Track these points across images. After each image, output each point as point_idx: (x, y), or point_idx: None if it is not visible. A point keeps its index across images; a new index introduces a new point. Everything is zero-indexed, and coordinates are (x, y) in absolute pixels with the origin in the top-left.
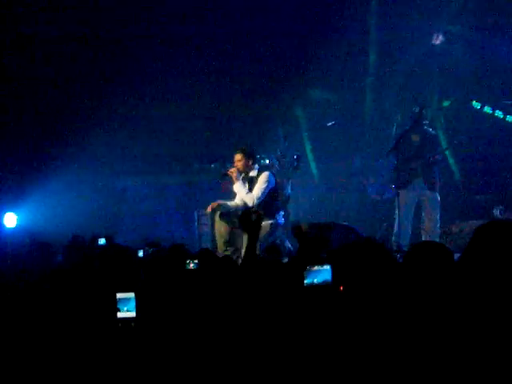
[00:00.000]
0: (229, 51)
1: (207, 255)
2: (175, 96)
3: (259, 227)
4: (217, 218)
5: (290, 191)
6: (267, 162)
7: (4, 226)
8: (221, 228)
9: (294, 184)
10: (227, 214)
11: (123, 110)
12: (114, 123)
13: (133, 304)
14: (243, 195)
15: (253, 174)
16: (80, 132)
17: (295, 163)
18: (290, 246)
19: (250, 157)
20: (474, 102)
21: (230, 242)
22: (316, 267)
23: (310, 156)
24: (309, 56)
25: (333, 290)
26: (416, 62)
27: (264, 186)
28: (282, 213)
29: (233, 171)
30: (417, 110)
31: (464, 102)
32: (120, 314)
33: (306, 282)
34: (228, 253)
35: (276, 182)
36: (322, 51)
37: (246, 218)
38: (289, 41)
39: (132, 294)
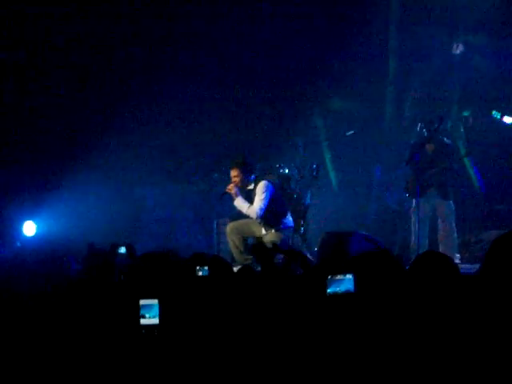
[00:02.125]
0: (248, 60)
1: (218, 262)
2: (196, 105)
3: (271, 257)
4: (228, 230)
5: (309, 201)
6: (287, 171)
7: (24, 234)
8: (234, 239)
9: (313, 194)
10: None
11: (142, 118)
12: (132, 131)
13: (156, 311)
14: (246, 210)
15: (250, 186)
16: (99, 140)
17: (314, 173)
18: (308, 256)
19: (246, 170)
20: (494, 112)
21: (246, 251)
22: (339, 276)
23: (330, 165)
24: (328, 65)
25: (356, 299)
26: (436, 71)
27: (263, 196)
28: (289, 215)
29: (231, 188)
30: (434, 121)
31: (484, 112)
32: (143, 321)
33: (328, 291)
34: (248, 262)
35: (275, 188)
36: (342, 60)
37: (256, 250)
38: (308, 50)
39: (155, 301)
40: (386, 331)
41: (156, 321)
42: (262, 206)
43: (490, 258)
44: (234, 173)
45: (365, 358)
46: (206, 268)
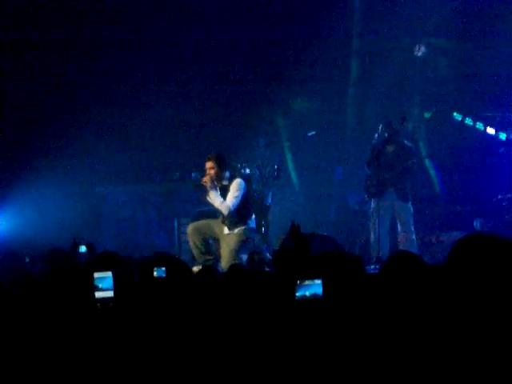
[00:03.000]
0: (209, 61)
1: (175, 263)
2: (157, 105)
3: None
4: (189, 230)
5: (270, 201)
6: (248, 171)
7: None
8: (194, 239)
9: (274, 194)
10: (204, 214)
11: (103, 118)
12: (93, 130)
13: (110, 283)
14: (218, 205)
15: (225, 182)
16: (60, 139)
17: (276, 173)
18: (269, 256)
19: (222, 164)
20: (455, 114)
21: (207, 251)
22: (307, 281)
23: (291, 166)
24: (290, 65)
25: (324, 304)
26: (398, 72)
27: (237, 193)
28: (253, 217)
29: (206, 180)
30: (393, 122)
31: (445, 114)
32: (98, 294)
33: (297, 295)
34: (209, 263)
35: (246, 187)
36: (304, 60)
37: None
38: (270, 50)
39: (109, 273)
40: (355, 335)
41: (111, 293)
42: (235, 203)
43: (451, 259)
44: (209, 165)
45: (335, 363)
46: (164, 269)
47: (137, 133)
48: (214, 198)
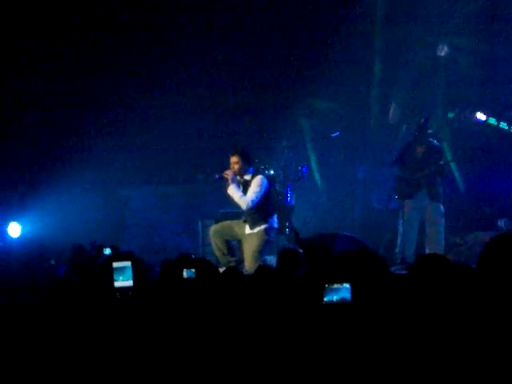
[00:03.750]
0: (232, 62)
1: (204, 264)
2: (180, 106)
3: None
4: (211, 232)
5: (294, 202)
6: (272, 172)
7: (8, 235)
8: (216, 241)
9: (298, 195)
10: (227, 215)
11: (127, 120)
12: (117, 132)
13: (130, 273)
14: (237, 198)
15: (247, 177)
16: (83, 141)
17: (299, 174)
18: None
19: (246, 159)
20: (478, 113)
21: (229, 253)
22: (336, 285)
23: (315, 166)
24: (314, 66)
25: (352, 309)
26: (421, 73)
27: (258, 189)
28: (275, 216)
29: (228, 173)
30: (422, 121)
31: (469, 114)
32: (117, 284)
33: (325, 299)
34: (231, 264)
35: (270, 186)
36: (327, 61)
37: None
38: (293, 51)
39: (129, 263)
40: (383, 338)
41: (130, 283)
42: (255, 198)
43: (483, 261)
44: (234, 159)
45: (363, 366)
46: (193, 270)
47: (161, 135)
48: (234, 191)
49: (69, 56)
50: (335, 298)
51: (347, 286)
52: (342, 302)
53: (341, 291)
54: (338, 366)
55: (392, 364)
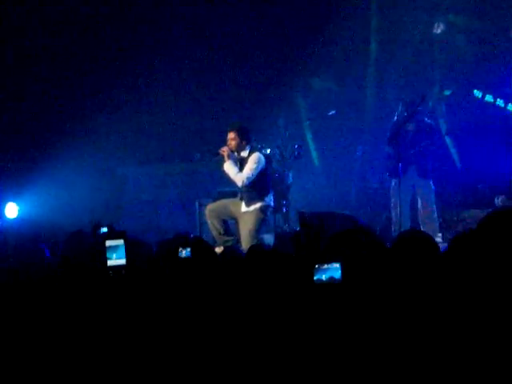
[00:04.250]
0: (229, 41)
1: (200, 244)
2: (174, 86)
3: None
4: (207, 212)
5: (290, 180)
6: (268, 151)
7: (5, 216)
8: (212, 221)
9: (294, 173)
10: (225, 194)
11: (124, 99)
12: (114, 112)
13: (123, 251)
14: (233, 175)
15: (244, 154)
16: (80, 121)
17: (296, 153)
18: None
19: (244, 136)
20: (475, 91)
21: (226, 232)
22: (326, 265)
23: (311, 145)
24: (309, 45)
25: (342, 288)
26: (417, 51)
27: (254, 166)
28: (271, 194)
29: (225, 150)
30: (417, 99)
31: (465, 91)
32: (110, 262)
33: (315, 278)
34: (228, 243)
35: (266, 164)
36: (323, 40)
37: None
38: (289, 30)
39: (121, 241)
40: (371, 316)
41: (123, 261)
42: (251, 175)
43: (477, 234)
44: (231, 135)
45: (353, 347)
46: (189, 249)
47: (157, 114)
48: (230, 167)
49: (67, 38)
50: (324, 276)
51: (337, 265)
52: (331, 282)
53: (330, 270)
54: (329, 347)
55: (382, 343)
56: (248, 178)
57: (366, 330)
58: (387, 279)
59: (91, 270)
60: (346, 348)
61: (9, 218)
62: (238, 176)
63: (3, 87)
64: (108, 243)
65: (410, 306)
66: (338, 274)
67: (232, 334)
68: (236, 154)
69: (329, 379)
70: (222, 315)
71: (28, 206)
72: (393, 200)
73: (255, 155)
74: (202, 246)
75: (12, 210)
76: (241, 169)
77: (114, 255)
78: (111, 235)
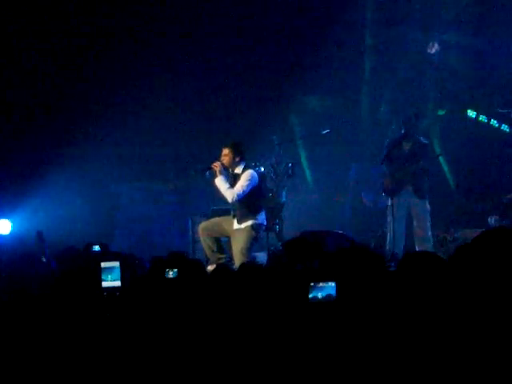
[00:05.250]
0: (223, 59)
1: (189, 264)
2: (169, 103)
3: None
4: (200, 230)
5: (284, 199)
6: (262, 169)
7: None
8: (205, 238)
9: (288, 192)
10: (218, 212)
11: (117, 117)
12: (109, 129)
13: (118, 273)
14: (224, 190)
15: (238, 170)
16: (73, 139)
17: (290, 171)
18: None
19: (238, 153)
20: (469, 111)
21: (219, 250)
22: (321, 283)
23: (305, 164)
24: (304, 64)
25: (337, 306)
26: (411, 70)
27: (246, 183)
28: (263, 212)
29: (217, 165)
30: (411, 118)
31: (459, 111)
32: (105, 284)
33: (310, 296)
34: (222, 261)
35: (260, 182)
36: (317, 58)
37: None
38: (283, 48)
39: (117, 263)
40: (371, 335)
41: (118, 283)
42: (241, 192)
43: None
44: (225, 151)
45: (349, 363)
46: (176, 270)
47: (152, 132)
48: (221, 183)
49: (61, 52)
50: (320, 295)
51: (332, 284)
52: (327, 300)
53: (326, 289)
54: (325, 362)
55: (378, 359)
56: (239, 195)
57: (362, 347)
58: (388, 298)
59: (84, 289)
60: (339, 365)
61: (2, 235)
62: (229, 192)
63: None
64: (103, 265)
65: (413, 325)
66: (333, 293)
67: (224, 349)
68: (230, 170)
69: None
70: (213, 333)
71: (21, 222)
72: (388, 219)
73: (248, 172)
74: (190, 266)
75: (5, 227)
76: (234, 185)
77: (110, 277)
78: (107, 257)
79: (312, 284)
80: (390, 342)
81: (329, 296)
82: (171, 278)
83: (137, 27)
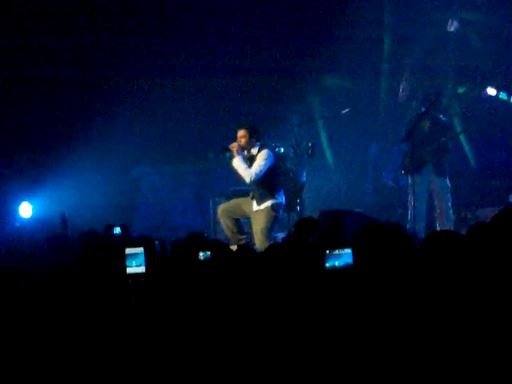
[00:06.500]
0: (242, 39)
1: (219, 246)
2: (190, 85)
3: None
4: (219, 212)
5: (305, 179)
6: (282, 150)
7: (20, 216)
8: (225, 220)
9: (309, 172)
10: (239, 193)
11: (138, 99)
12: (128, 112)
13: (142, 259)
14: (242, 171)
15: (254, 151)
16: (95, 121)
17: (310, 151)
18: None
19: (254, 134)
20: (489, 88)
21: (239, 231)
22: (337, 251)
23: (326, 143)
24: (323, 42)
25: (354, 273)
26: (431, 48)
27: (263, 163)
28: (282, 192)
29: (234, 146)
30: (432, 96)
31: (479, 89)
32: (129, 270)
33: (327, 265)
34: (242, 241)
35: (276, 161)
36: (336, 38)
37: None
38: (302, 27)
39: (141, 249)
40: (387, 307)
41: (142, 269)
42: (259, 171)
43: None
44: (241, 133)
45: (365, 335)
46: (208, 252)
47: (171, 114)
48: (239, 163)
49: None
50: (337, 263)
51: (348, 251)
52: (344, 268)
53: (342, 256)
54: (341, 333)
55: (393, 331)
56: (257, 174)
57: (380, 316)
58: (410, 276)
59: (108, 275)
60: (358, 337)
61: (23, 218)
62: (247, 172)
63: (18, 89)
64: (128, 251)
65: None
66: (350, 260)
67: (247, 333)
68: (246, 152)
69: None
70: (238, 316)
71: (42, 205)
72: (409, 198)
73: (264, 152)
74: (220, 248)
75: (26, 210)
76: (251, 166)
77: (134, 262)
78: (131, 243)
79: (328, 252)
80: (404, 314)
81: (347, 264)
82: (201, 261)
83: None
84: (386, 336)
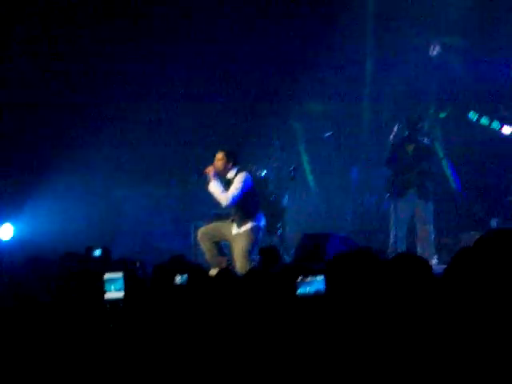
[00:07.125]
0: (224, 63)
1: (197, 270)
2: (172, 108)
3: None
4: (199, 235)
5: (286, 202)
6: (263, 174)
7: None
8: (205, 243)
9: (290, 196)
10: (220, 216)
11: (121, 121)
12: (110, 134)
13: (121, 283)
14: (217, 194)
15: (231, 175)
16: (77, 143)
17: (292, 174)
18: (286, 257)
19: (231, 158)
20: (470, 113)
21: (220, 253)
22: (309, 278)
23: (307, 168)
24: (305, 66)
25: (326, 301)
26: (413, 72)
27: (239, 185)
28: (261, 215)
29: (210, 170)
30: (414, 120)
31: (461, 113)
32: (108, 295)
33: (298, 292)
34: (223, 265)
35: (253, 183)
36: (319, 61)
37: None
38: (285, 50)
39: (120, 274)
40: (357, 332)
41: (121, 294)
42: (236, 194)
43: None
44: (218, 156)
45: (337, 360)
46: (185, 276)
47: (153, 136)
48: (215, 187)
49: (64, 55)
50: (309, 290)
51: (321, 278)
52: (316, 294)
53: (315, 283)
54: (315, 360)
55: (366, 354)
56: (233, 198)
57: (355, 342)
58: (376, 298)
59: (86, 298)
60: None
61: (3, 240)
62: (223, 195)
63: (1, 110)
64: (107, 276)
65: (395, 324)
66: (322, 287)
67: (232, 354)
68: (223, 175)
69: None
70: (218, 338)
71: (23, 226)
72: (391, 222)
73: (241, 175)
74: (198, 272)
75: (7, 231)
76: (227, 190)
77: (113, 287)
78: (111, 267)
79: (300, 278)
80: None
81: (318, 291)
82: (178, 285)
83: (134, 28)
84: (357, 361)
